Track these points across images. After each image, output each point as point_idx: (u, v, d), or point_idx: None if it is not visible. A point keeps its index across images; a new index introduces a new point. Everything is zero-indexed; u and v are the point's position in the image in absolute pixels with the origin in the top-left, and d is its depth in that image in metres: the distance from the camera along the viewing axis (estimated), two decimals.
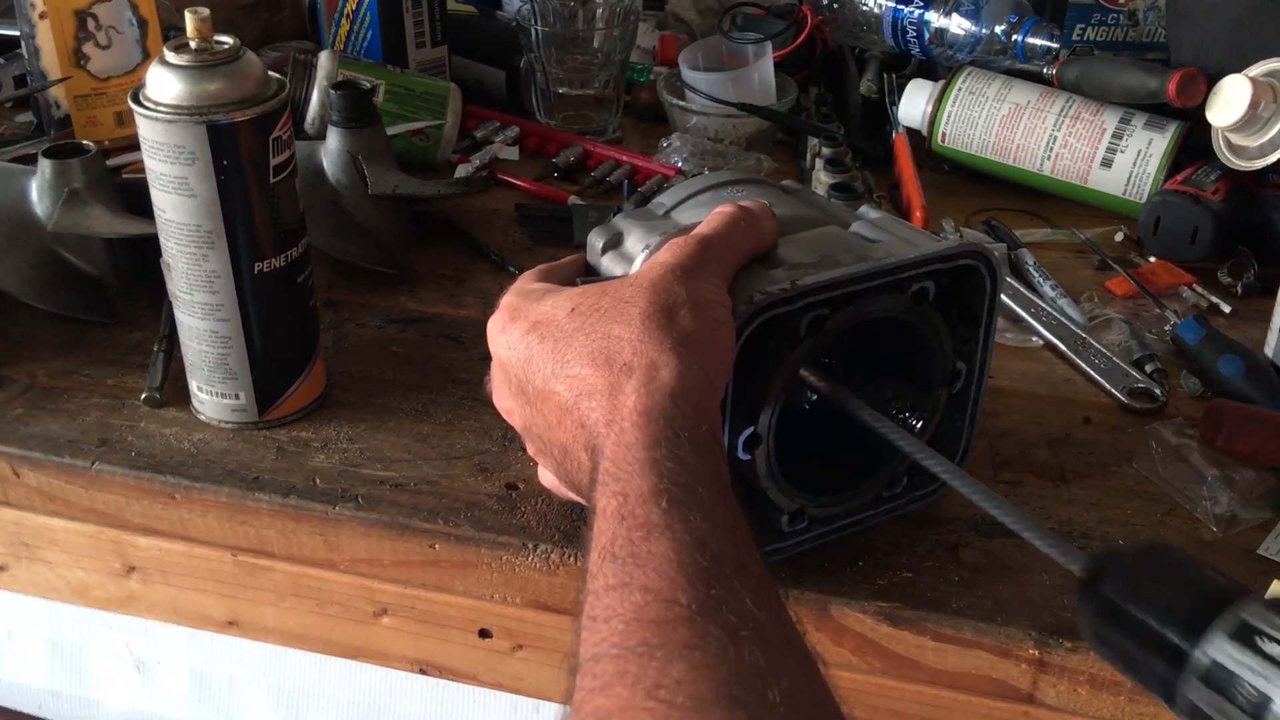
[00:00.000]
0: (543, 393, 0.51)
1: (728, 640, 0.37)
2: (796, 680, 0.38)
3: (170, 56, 0.61)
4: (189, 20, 0.61)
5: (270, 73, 0.64)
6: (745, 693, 0.35)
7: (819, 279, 0.53)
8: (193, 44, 0.61)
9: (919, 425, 0.61)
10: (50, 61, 0.94)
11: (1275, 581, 0.59)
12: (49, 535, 0.69)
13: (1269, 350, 0.76)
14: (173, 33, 0.97)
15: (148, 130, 0.61)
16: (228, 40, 0.62)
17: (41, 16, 0.92)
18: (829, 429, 0.60)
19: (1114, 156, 0.93)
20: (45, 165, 0.77)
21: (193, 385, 0.69)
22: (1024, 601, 0.58)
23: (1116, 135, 0.93)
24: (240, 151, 0.61)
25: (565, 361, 0.50)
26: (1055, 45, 0.97)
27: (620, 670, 0.36)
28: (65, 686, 0.80)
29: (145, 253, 0.71)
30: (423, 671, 0.68)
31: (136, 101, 0.61)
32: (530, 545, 0.61)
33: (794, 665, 0.39)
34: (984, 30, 0.99)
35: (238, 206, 0.62)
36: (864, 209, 0.61)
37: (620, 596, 0.39)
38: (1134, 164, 0.92)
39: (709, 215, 0.56)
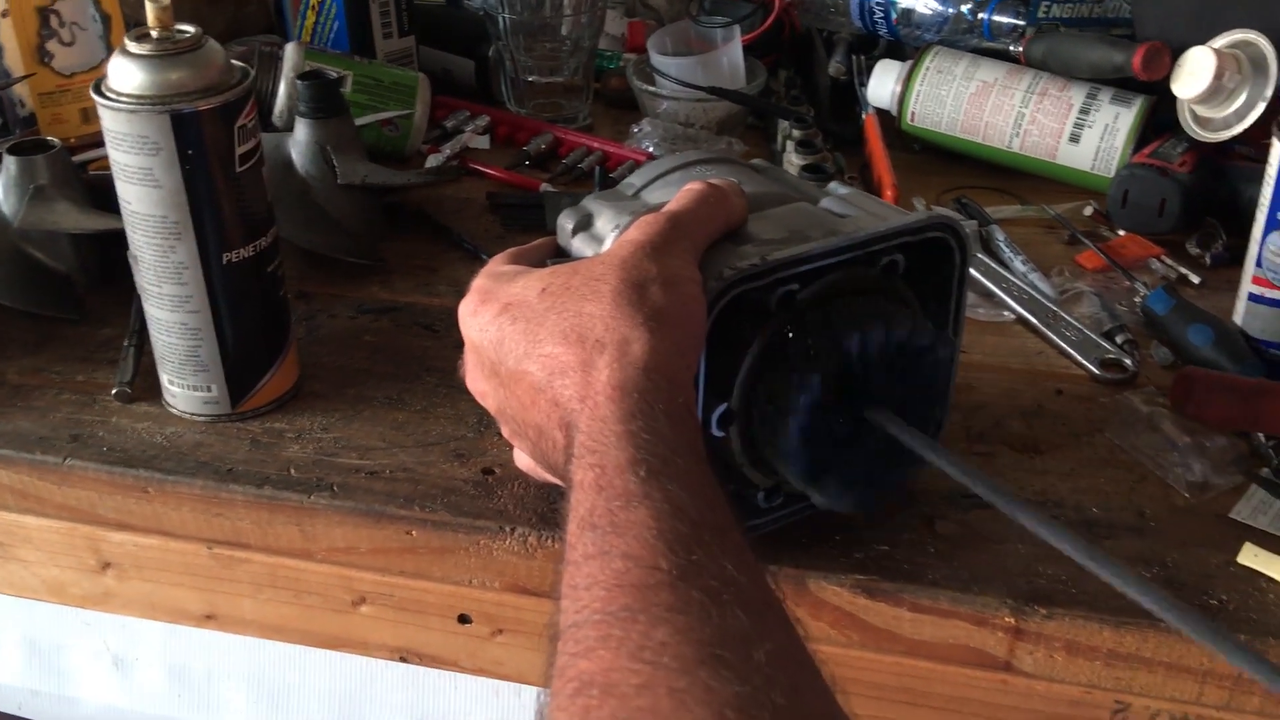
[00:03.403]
0: (516, 374, 0.51)
1: (710, 603, 0.37)
2: (780, 642, 0.38)
3: (131, 46, 0.60)
4: (149, 9, 0.60)
5: (233, 61, 0.63)
6: (730, 653, 0.35)
7: (788, 254, 0.53)
8: (154, 33, 0.61)
9: None
10: (13, 59, 0.93)
11: (1247, 544, 0.59)
12: (22, 533, 0.68)
13: (1237, 319, 0.76)
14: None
15: (110, 121, 0.60)
16: (189, 29, 0.61)
17: (4, 14, 0.91)
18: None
19: (1081, 132, 0.93)
20: (10, 162, 0.76)
21: (164, 379, 0.68)
22: (1000, 570, 0.58)
23: (1084, 110, 0.93)
24: (205, 141, 0.61)
25: (537, 341, 0.50)
26: (1021, 23, 0.98)
27: (603, 635, 0.36)
28: (44, 685, 0.80)
29: (113, 249, 0.70)
30: (403, 659, 0.68)
31: (99, 92, 0.61)
32: (508, 529, 0.61)
33: (777, 627, 0.39)
34: (951, 9, 1.00)
35: (204, 196, 0.62)
36: (833, 185, 0.61)
37: (601, 564, 0.39)
38: (1101, 138, 0.93)
39: (678, 193, 0.56)
